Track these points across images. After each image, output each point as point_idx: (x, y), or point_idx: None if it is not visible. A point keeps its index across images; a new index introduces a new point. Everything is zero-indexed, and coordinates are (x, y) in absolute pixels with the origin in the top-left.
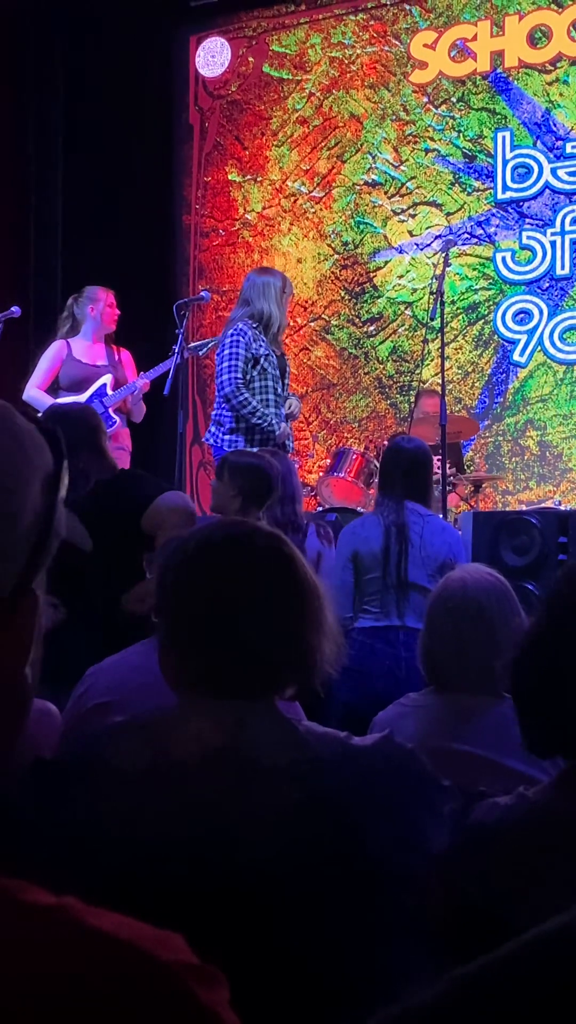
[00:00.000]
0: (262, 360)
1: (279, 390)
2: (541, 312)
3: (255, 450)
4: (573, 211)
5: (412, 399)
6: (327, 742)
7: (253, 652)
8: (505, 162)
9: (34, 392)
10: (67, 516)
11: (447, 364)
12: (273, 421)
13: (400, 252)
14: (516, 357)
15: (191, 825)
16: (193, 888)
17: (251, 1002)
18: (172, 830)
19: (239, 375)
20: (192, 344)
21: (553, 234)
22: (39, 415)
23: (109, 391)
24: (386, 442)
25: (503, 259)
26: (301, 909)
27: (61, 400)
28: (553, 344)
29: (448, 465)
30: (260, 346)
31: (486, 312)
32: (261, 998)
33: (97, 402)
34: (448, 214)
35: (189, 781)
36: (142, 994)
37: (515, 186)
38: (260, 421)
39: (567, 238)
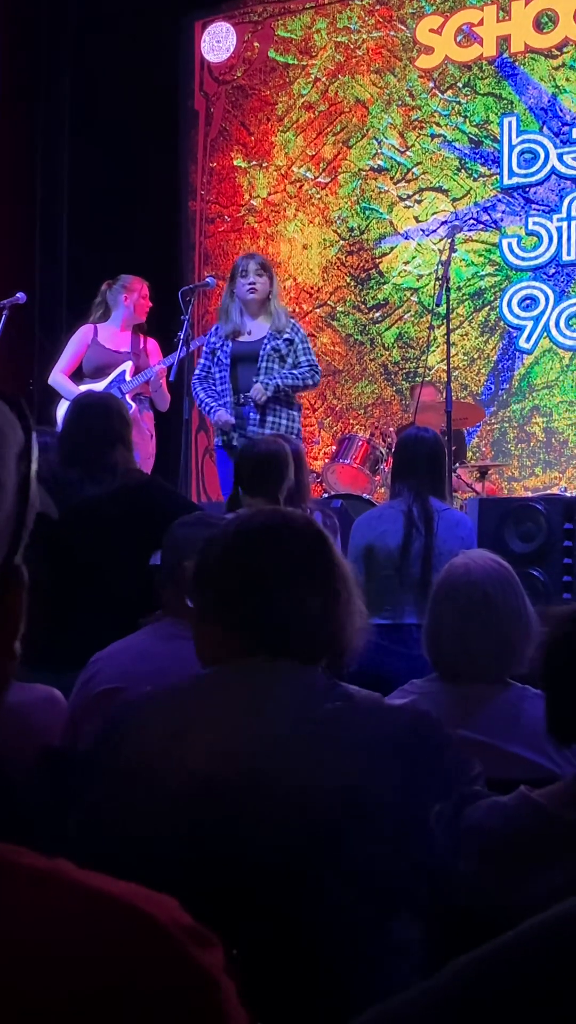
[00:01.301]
0: (217, 352)
1: (227, 379)
2: (547, 298)
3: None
4: None
5: (413, 391)
6: (364, 696)
7: (288, 628)
8: (511, 147)
9: (59, 377)
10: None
11: (453, 350)
12: (212, 408)
13: (406, 238)
14: (522, 343)
15: (228, 769)
16: (223, 842)
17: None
18: (208, 775)
19: (199, 371)
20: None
21: (559, 220)
22: (68, 403)
23: (128, 377)
24: (392, 429)
25: (509, 245)
26: (326, 862)
27: (86, 387)
28: (559, 330)
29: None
30: (216, 340)
31: (492, 298)
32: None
33: (116, 388)
34: (454, 200)
35: (221, 730)
36: (138, 952)
37: (521, 172)
38: (206, 412)
39: (573, 224)
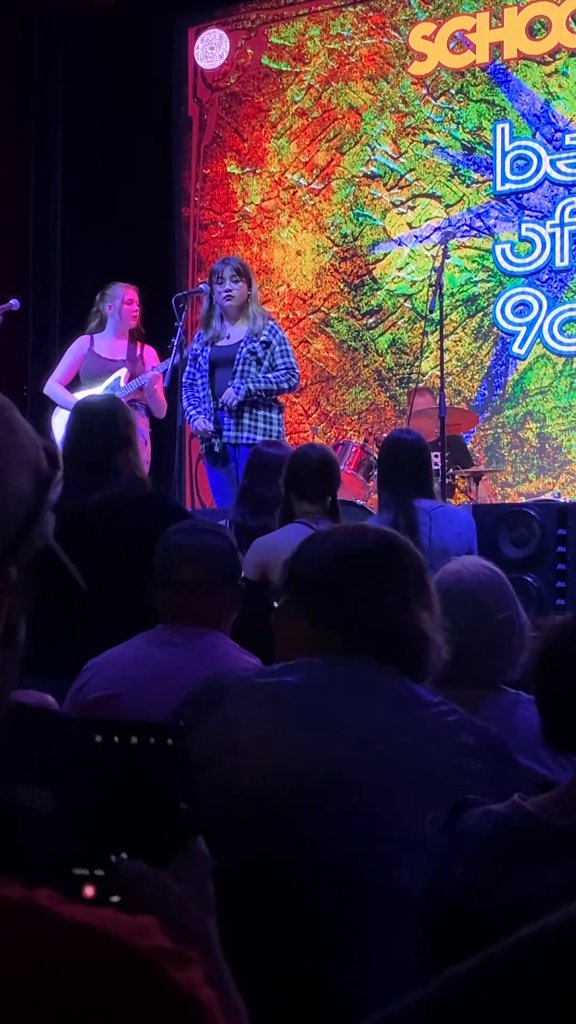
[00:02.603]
0: (199, 358)
1: (207, 384)
2: (540, 304)
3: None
4: (572, 203)
5: (409, 396)
6: (455, 709)
7: (396, 639)
8: (504, 154)
9: (55, 387)
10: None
11: (446, 356)
12: (191, 417)
13: (399, 244)
14: (515, 349)
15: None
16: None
17: None
18: (307, 769)
19: (185, 379)
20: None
21: (552, 226)
22: (63, 411)
23: (122, 384)
24: (385, 435)
25: (502, 251)
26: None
27: (81, 394)
28: (552, 336)
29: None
30: (198, 347)
31: (485, 304)
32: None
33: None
34: (447, 206)
35: (325, 727)
36: (120, 982)
37: (514, 178)
38: (187, 420)
39: (566, 230)
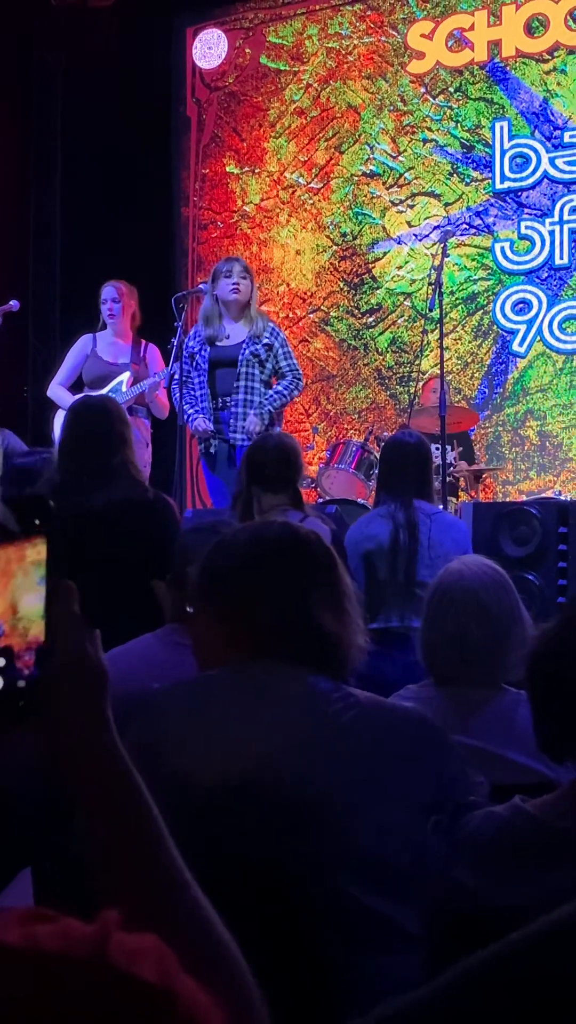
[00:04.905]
0: (197, 356)
1: (205, 383)
2: (540, 302)
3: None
4: (571, 200)
5: (413, 390)
6: (369, 699)
7: (299, 639)
8: (503, 152)
9: (57, 390)
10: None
11: (446, 355)
12: (189, 416)
13: (399, 243)
14: (515, 347)
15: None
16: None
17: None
18: (217, 774)
19: (177, 376)
20: None
21: (552, 224)
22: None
23: (124, 388)
24: (387, 434)
25: (502, 249)
26: (327, 862)
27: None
28: (552, 334)
29: (455, 455)
30: (196, 344)
31: (485, 302)
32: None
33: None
34: (446, 204)
35: (230, 731)
36: (81, 998)
37: (513, 176)
38: (185, 419)
39: (566, 227)
